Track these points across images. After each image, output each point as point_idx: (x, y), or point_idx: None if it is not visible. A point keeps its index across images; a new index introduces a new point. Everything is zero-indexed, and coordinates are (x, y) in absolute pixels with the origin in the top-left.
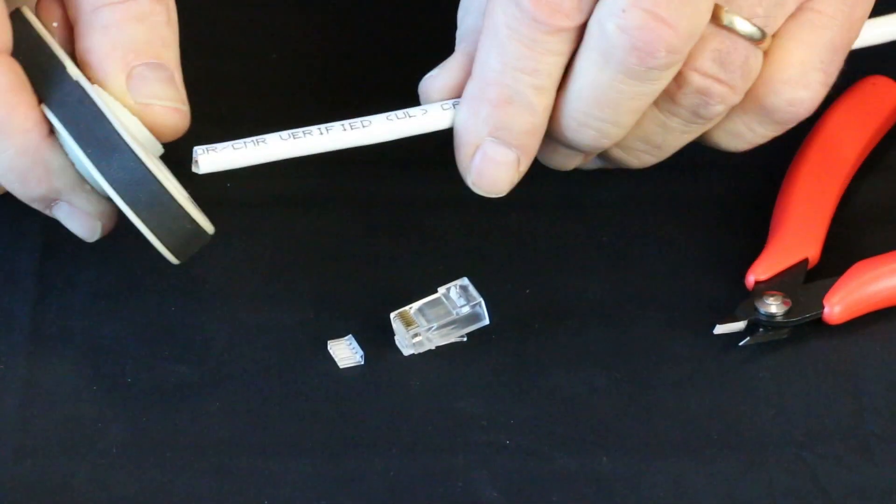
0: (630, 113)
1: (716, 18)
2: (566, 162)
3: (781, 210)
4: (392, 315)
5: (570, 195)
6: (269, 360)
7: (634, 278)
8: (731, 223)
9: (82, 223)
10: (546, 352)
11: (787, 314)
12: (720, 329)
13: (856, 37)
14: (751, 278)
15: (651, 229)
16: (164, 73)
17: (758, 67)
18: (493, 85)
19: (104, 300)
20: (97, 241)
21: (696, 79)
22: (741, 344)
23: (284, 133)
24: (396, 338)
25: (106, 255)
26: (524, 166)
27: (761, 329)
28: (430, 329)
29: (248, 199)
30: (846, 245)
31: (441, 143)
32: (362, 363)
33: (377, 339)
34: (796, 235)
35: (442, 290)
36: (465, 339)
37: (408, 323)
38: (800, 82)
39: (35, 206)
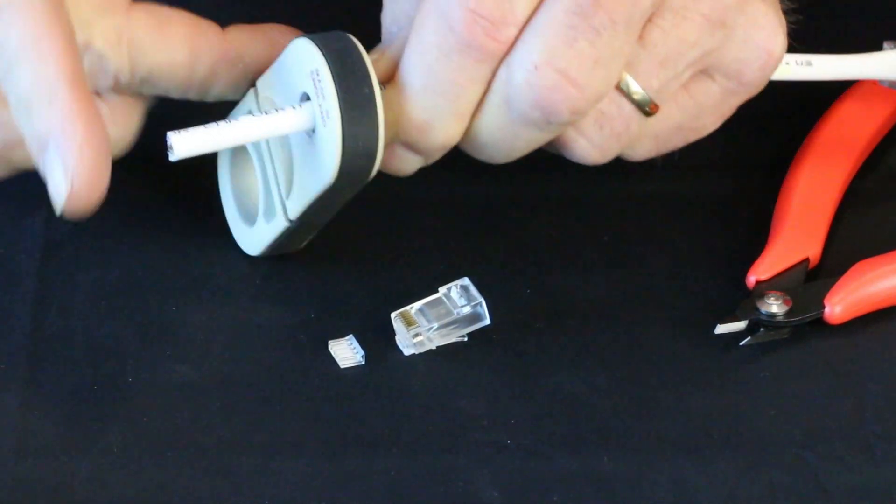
0: (520, 151)
1: None
2: (410, 169)
3: (782, 209)
4: (393, 315)
5: (571, 195)
6: (269, 360)
7: (634, 278)
8: (732, 223)
9: (63, 180)
10: (546, 352)
11: (787, 314)
12: (721, 329)
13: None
14: (751, 278)
15: (651, 229)
16: None
17: (636, 133)
18: (413, 104)
19: (104, 300)
20: (97, 241)
21: (570, 133)
22: (742, 344)
23: (257, 115)
24: (397, 338)
25: (106, 255)
26: (430, 162)
27: (762, 329)
28: (430, 329)
29: None
30: (847, 245)
31: None
32: (363, 363)
33: (378, 339)
34: (797, 235)
35: (443, 289)
36: (465, 339)
37: (409, 323)
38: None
39: (31, 147)
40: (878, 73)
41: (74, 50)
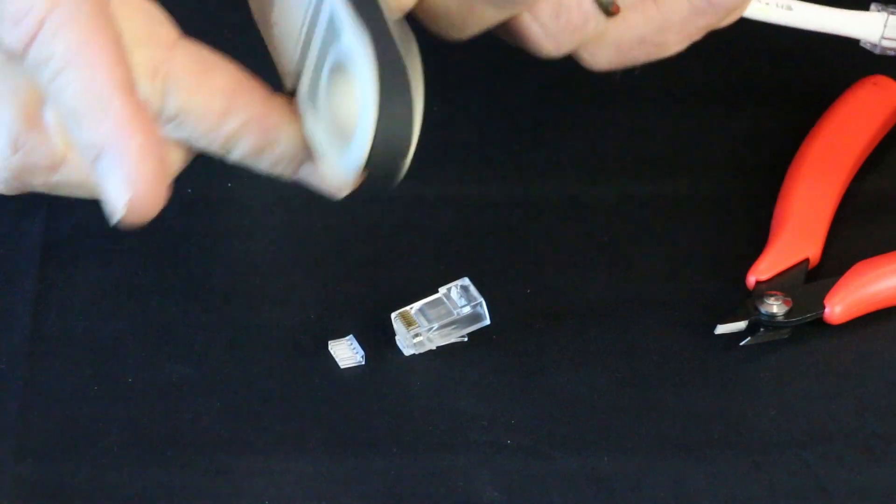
0: (472, 28)
1: None
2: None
3: (782, 209)
4: (393, 315)
5: (571, 195)
6: (269, 360)
7: (634, 278)
8: (732, 223)
9: (123, 189)
10: (546, 352)
11: (787, 314)
12: (721, 329)
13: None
14: (752, 278)
15: (651, 229)
16: None
17: (593, 32)
18: None
19: (104, 300)
20: (97, 242)
21: (525, 18)
22: (742, 344)
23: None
24: (397, 338)
25: (106, 255)
26: None
27: (762, 329)
28: (430, 329)
29: (248, 199)
30: (847, 245)
31: (441, 143)
32: (363, 363)
33: (378, 340)
34: (797, 235)
35: (443, 290)
36: (465, 339)
37: (409, 323)
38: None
39: (84, 156)
40: (858, 32)
41: (124, 56)
